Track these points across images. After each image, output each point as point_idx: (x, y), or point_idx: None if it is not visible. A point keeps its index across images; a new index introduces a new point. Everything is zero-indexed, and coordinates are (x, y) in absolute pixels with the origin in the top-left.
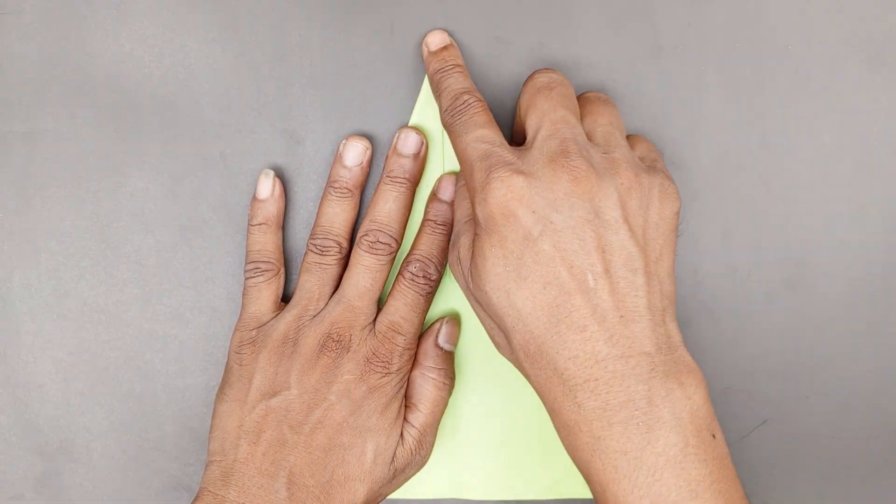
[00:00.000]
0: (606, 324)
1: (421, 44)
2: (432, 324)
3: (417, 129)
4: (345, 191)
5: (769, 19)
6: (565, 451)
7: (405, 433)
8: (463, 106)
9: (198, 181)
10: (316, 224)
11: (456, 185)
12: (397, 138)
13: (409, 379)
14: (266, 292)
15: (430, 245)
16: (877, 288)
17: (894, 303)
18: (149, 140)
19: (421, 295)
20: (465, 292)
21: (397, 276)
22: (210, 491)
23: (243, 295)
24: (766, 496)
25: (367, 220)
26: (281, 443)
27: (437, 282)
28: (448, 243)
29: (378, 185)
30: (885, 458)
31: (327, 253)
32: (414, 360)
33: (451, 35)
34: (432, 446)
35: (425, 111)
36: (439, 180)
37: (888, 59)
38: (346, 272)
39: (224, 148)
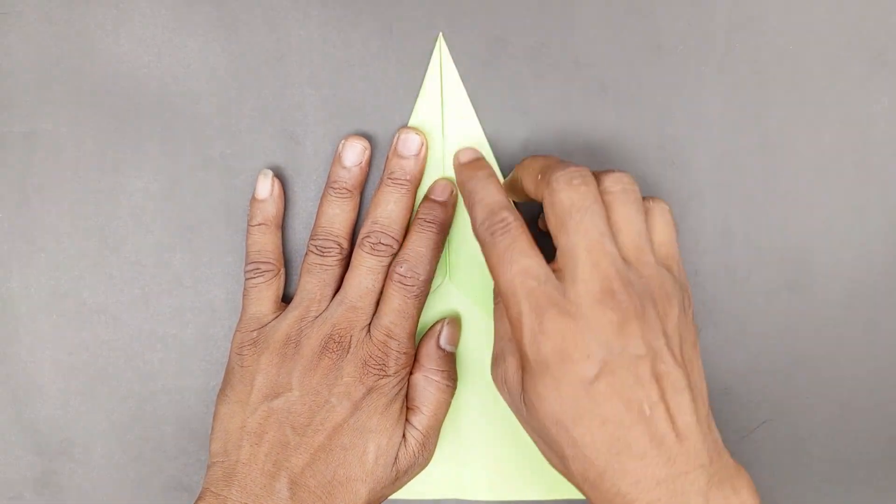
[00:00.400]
0: (664, 447)
1: (453, 160)
2: (433, 325)
3: (417, 130)
4: (344, 191)
5: (769, 19)
6: None
7: (408, 435)
8: (502, 225)
9: (197, 181)
10: (316, 224)
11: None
12: (397, 139)
13: (411, 381)
14: (266, 293)
15: (419, 244)
16: (877, 288)
17: (894, 303)
18: (148, 140)
19: (409, 297)
20: (513, 410)
21: (386, 279)
22: (212, 491)
23: (244, 296)
24: (766, 496)
25: (368, 221)
26: (283, 444)
27: (428, 282)
28: (440, 242)
29: (379, 185)
30: (885, 458)
31: (328, 254)
32: (415, 362)
33: (449, 36)
34: (435, 447)
35: (425, 111)
36: (435, 183)
37: (888, 59)
38: (348, 273)
39: (224, 148)
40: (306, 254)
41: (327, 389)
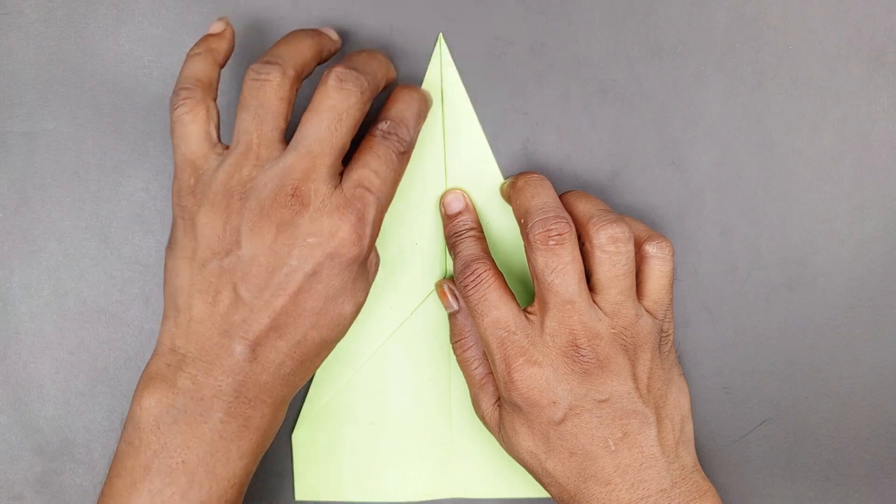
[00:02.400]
0: (628, 475)
1: (440, 207)
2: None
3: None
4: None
5: (769, 19)
6: None
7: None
8: (475, 279)
9: None
10: (265, 54)
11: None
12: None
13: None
14: (192, 126)
15: (402, 107)
16: (877, 288)
17: (894, 303)
18: (148, 140)
19: (393, 152)
20: (495, 438)
21: (366, 136)
22: (168, 347)
23: (171, 135)
24: (767, 496)
25: (339, 62)
26: (238, 304)
27: (410, 146)
28: (421, 113)
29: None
30: (885, 458)
31: (267, 77)
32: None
33: (449, 36)
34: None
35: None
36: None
37: (888, 59)
38: (305, 114)
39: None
40: (244, 81)
41: (286, 250)
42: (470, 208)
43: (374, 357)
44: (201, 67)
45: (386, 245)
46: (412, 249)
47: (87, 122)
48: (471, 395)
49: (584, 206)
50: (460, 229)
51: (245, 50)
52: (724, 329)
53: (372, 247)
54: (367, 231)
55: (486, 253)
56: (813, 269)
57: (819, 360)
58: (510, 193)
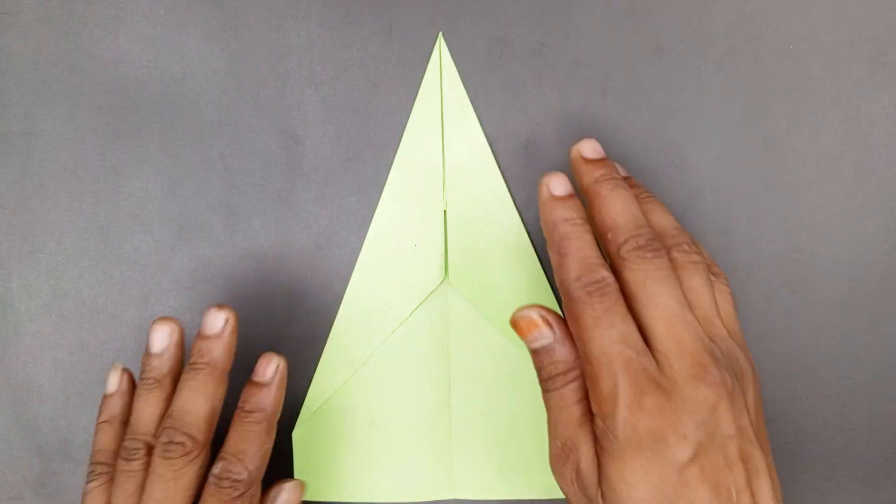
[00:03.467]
0: None
1: (539, 186)
2: (267, 489)
3: (224, 306)
4: (152, 381)
5: (769, 19)
6: None
7: None
8: (601, 286)
9: (197, 181)
10: (129, 423)
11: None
12: (203, 318)
13: None
14: (100, 499)
15: (237, 438)
16: (877, 288)
17: (894, 303)
18: (147, 140)
19: (227, 501)
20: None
21: (204, 481)
22: None
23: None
24: None
25: (164, 417)
26: None
27: (249, 482)
28: (265, 433)
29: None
30: (885, 458)
31: (134, 457)
32: None
33: (449, 36)
34: None
35: (424, 111)
36: (259, 361)
37: (889, 59)
38: (145, 484)
39: (223, 148)
40: (117, 460)
41: None
42: (575, 196)
43: (373, 357)
44: (111, 439)
45: (385, 246)
46: (411, 251)
47: (85, 123)
48: (555, 446)
49: (659, 220)
50: (572, 216)
51: (245, 49)
52: None
53: None
54: None
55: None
56: (813, 270)
57: (819, 360)
58: (591, 199)
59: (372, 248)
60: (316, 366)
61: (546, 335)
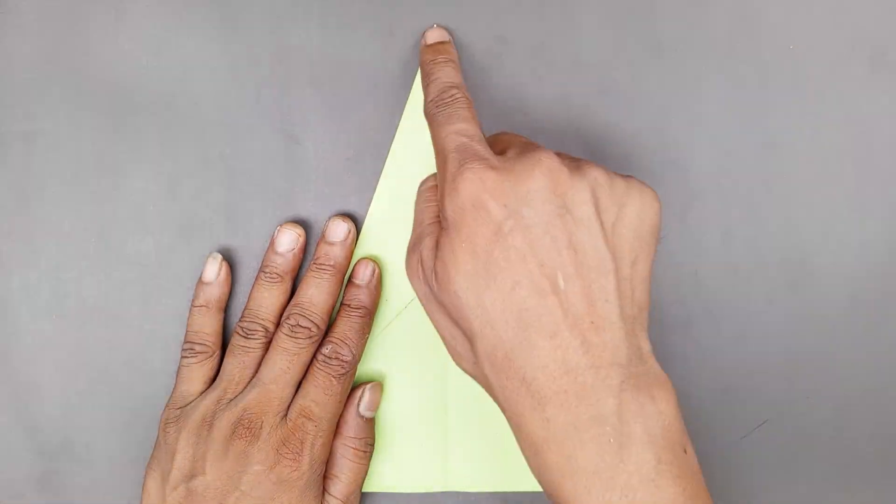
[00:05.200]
0: (578, 329)
1: (420, 42)
2: (354, 390)
3: (346, 217)
4: (275, 276)
5: (769, 19)
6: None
7: None
8: (449, 99)
9: (197, 181)
10: (246, 307)
11: (419, 190)
12: (326, 226)
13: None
14: (197, 373)
15: (344, 328)
16: (877, 288)
17: (894, 303)
18: (148, 140)
19: (333, 377)
20: (424, 299)
21: (312, 361)
22: None
23: (177, 373)
24: (766, 496)
25: (290, 305)
26: None
27: (353, 364)
28: (366, 325)
29: (306, 270)
30: (885, 458)
31: (252, 336)
32: (336, 429)
33: (451, 35)
34: None
35: (418, 105)
36: (356, 266)
37: (889, 59)
38: (266, 355)
39: (223, 148)
40: (232, 335)
41: (238, 477)
42: (451, 43)
43: (370, 349)
44: (208, 323)
45: (382, 240)
46: (407, 244)
47: (85, 123)
48: (410, 242)
49: None
50: (438, 57)
51: (245, 49)
52: (724, 329)
53: (317, 468)
54: (306, 457)
55: (463, 83)
56: (813, 270)
57: (819, 360)
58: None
59: (368, 242)
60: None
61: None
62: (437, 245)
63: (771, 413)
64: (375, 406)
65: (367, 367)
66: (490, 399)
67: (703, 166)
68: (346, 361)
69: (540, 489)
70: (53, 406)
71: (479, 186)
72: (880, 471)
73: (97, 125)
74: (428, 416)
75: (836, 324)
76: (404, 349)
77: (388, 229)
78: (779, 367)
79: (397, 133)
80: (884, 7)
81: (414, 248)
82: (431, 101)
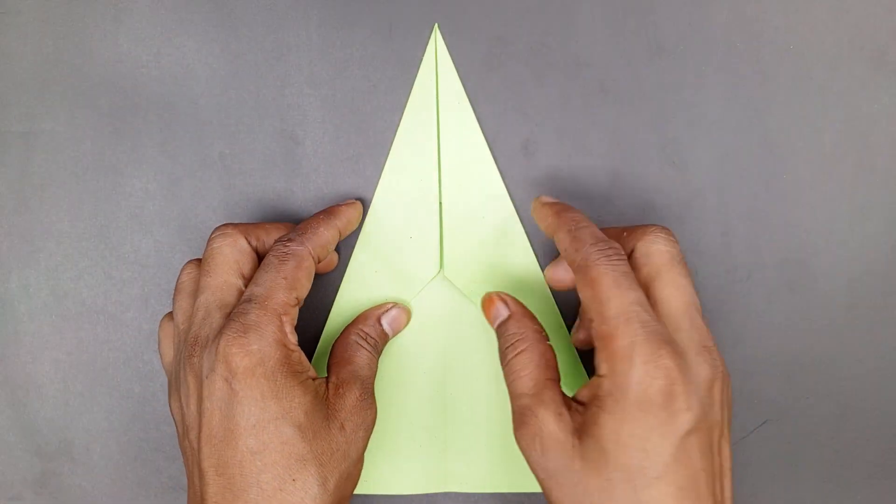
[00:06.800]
0: None
1: (533, 201)
2: (384, 303)
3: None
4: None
5: (769, 19)
6: None
7: (328, 384)
8: (617, 253)
9: (196, 181)
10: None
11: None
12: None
13: (338, 338)
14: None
15: (308, 221)
16: (877, 288)
17: (894, 303)
18: (147, 140)
19: (276, 257)
20: (542, 475)
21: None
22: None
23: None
24: (767, 496)
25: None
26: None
27: (304, 249)
28: (329, 228)
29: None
30: (885, 458)
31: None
32: (352, 320)
33: (451, 34)
34: (372, 406)
35: (419, 102)
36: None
37: (889, 58)
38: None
39: (223, 148)
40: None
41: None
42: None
43: None
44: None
45: (381, 240)
46: (407, 244)
47: (85, 123)
48: (516, 411)
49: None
50: (576, 211)
51: (245, 49)
52: (724, 329)
53: (271, 350)
54: (251, 337)
55: None
56: (813, 270)
57: (819, 360)
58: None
59: (368, 240)
60: (312, 358)
61: (502, 312)
62: (583, 422)
63: (771, 413)
64: (397, 326)
65: None
66: (490, 399)
67: (703, 166)
68: (290, 246)
69: (538, 489)
70: (52, 406)
71: (672, 383)
72: (880, 471)
73: (96, 125)
74: (426, 416)
75: (836, 324)
76: (403, 350)
77: (390, 224)
78: (779, 367)
79: (397, 133)
80: (884, 7)
81: (523, 421)
82: (593, 245)
